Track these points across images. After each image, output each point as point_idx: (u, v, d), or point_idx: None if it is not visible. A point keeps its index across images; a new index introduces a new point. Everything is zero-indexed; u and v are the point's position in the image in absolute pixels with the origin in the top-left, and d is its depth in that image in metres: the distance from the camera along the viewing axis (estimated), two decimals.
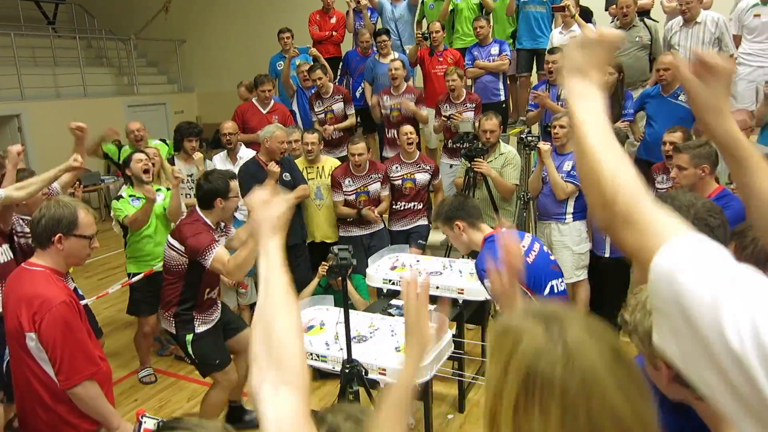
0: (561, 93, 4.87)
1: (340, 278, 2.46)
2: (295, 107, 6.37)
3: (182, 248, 2.99)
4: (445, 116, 5.38)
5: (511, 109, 6.84)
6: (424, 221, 4.76)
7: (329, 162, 4.95)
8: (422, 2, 6.97)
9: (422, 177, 4.69)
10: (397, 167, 4.72)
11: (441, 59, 6.19)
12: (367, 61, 6.68)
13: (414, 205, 4.70)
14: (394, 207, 4.72)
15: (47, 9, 12.40)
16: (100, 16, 12.53)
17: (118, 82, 11.65)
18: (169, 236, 3.15)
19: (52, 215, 2.13)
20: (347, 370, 2.37)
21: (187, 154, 4.85)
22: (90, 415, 2.10)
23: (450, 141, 5.37)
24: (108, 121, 10.13)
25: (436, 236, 5.82)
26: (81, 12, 12.60)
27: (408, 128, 4.71)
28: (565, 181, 3.95)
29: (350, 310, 3.11)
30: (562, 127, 3.96)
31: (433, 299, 3.35)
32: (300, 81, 6.19)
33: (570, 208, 4.01)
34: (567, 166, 3.98)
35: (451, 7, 6.70)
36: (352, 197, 4.60)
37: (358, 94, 6.51)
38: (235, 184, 3.17)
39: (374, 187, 4.61)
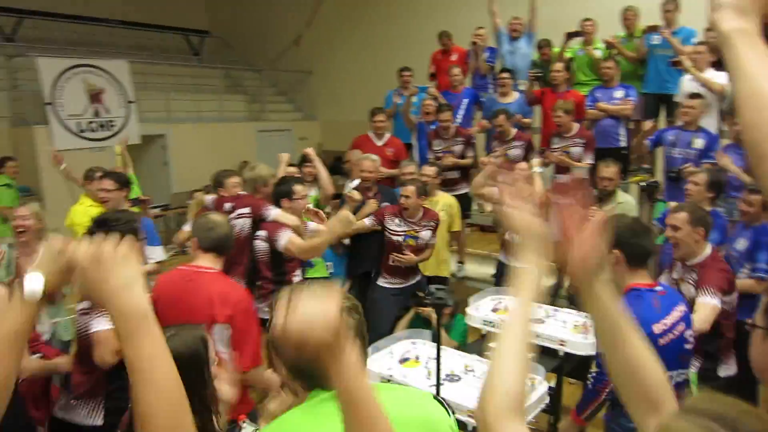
0: (693, 141, 4.66)
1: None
2: (414, 141, 6.55)
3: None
4: (554, 150, 5.32)
5: (634, 155, 6.60)
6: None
7: (444, 198, 5.04)
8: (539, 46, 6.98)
9: (425, 234, 4.49)
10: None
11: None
12: (486, 98, 6.76)
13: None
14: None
15: (194, 42, 13.73)
16: (239, 48, 13.68)
17: (250, 108, 12.59)
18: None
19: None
20: None
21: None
22: (261, 385, 2.52)
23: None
24: (240, 143, 11.08)
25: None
26: (222, 44, 13.85)
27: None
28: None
29: (447, 348, 3.18)
30: (696, 184, 3.76)
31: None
32: (422, 116, 6.37)
33: None
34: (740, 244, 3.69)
35: (569, 55, 6.66)
36: (400, 238, 4.46)
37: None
38: (298, 188, 3.81)
39: (424, 234, 4.47)
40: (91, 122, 8.97)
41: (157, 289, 2.50)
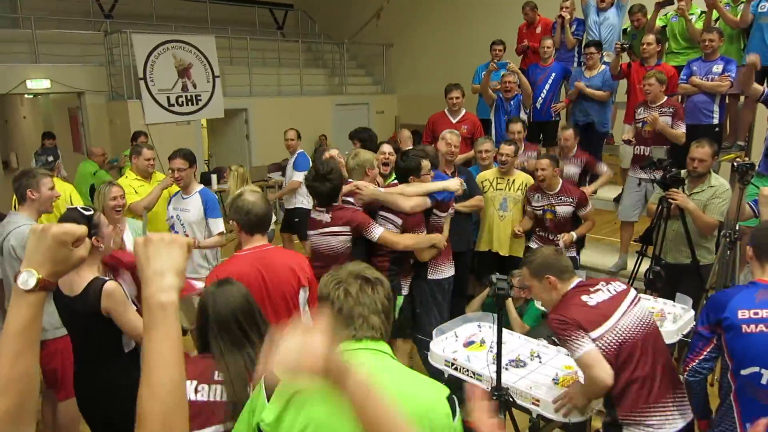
0: None
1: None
2: (492, 117, 6.42)
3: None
4: (638, 120, 5.04)
5: (728, 131, 6.16)
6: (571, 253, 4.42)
7: (522, 177, 4.93)
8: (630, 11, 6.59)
9: (564, 209, 4.45)
10: (538, 197, 4.55)
11: None
12: (575, 73, 6.50)
13: (555, 239, 4.46)
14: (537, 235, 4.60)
15: (278, 15, 13.97)
16: (321, 22, 13.80)
17: (330, 82, 12.74)
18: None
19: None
20: (494, 398, 2.39)
21: None
22: None
23: (637, 157, 5.08)
24: (319, 117, 11.27)
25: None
26: (305, 18, 14.01)
27: (544, 162, 4.42)
28: None
29: (514, 333, 3.14)
30: None
31: None
32: (502, 92, 6.21)
33: None
34: None
35: (661, 24, 6.25)
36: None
37: (538, 105, 6.39)
38: (425, 163, 3.74)
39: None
40: (179, 96, 9.36)
41: (237, 274, 2.40)
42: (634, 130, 5.30)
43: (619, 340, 2.25)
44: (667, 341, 3.04)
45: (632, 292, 2.47)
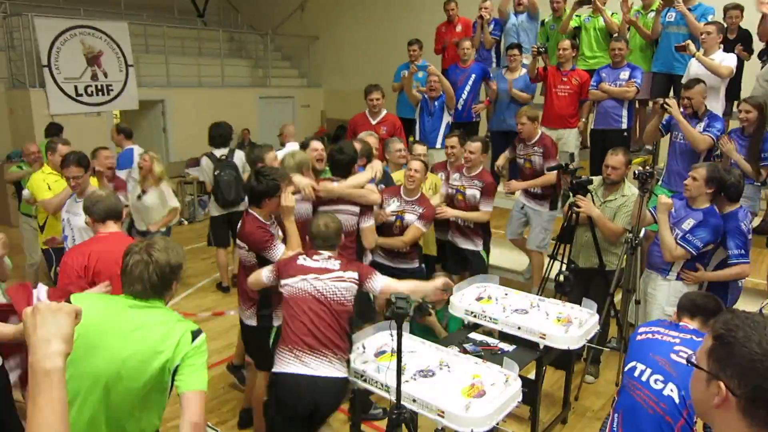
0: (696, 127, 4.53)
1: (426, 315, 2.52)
2: (416, 116, 6.43)
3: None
4: (519, 156, 5.07)
5: (637, 135, 6.46)
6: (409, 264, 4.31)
7: (431, 177, 4.97)
8: (542, 23, 6.81)
9: (471, 193, 4.59)
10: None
11: (565, 79, 5.97)
12: (495, 75, 6.61)
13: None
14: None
15: (199, 2, 13.48)
16: (244, 11, 13.44)
17: (253, 74, 12.43)
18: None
19: None
20: (394, 416, 2.38)
21: None
22: None
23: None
24: (241, 110, 10.97)
25: (521, 261, 5.69)
26: (228, 6, 13.59)
27: (416, 164, 4.32)
28: (678, 243, 3.65)
29: (424, 342, 3.15)
30: (694, 179, 3.66)
31: (508, 337, 3.31)
32: (427, 93, 6.23)
33: (677, 267, 3.73)
34: (687, 224, 3.65)
35: (575, 24, 6.48)
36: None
37: (459, 106, 6.48)
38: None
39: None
40: (88, 86, 8.87)
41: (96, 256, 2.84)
42: (506, 159, 5.38)
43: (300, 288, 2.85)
44: (573, 346, 3.17)
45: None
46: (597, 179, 4.28)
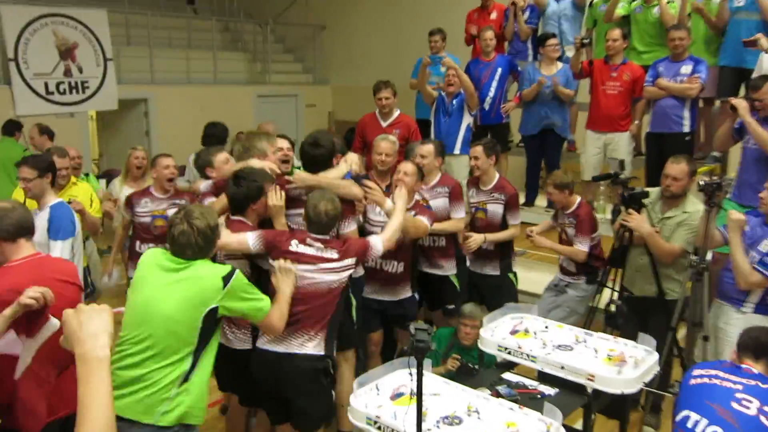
0: None
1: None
2: (432, 117, 6.44)
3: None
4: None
5: (702, 139, 6.41)
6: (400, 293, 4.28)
7: None
8: (591, 3, 6.80)
9: (494, 208, 4.66)
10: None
11: (615, 74, 5.95)
12: (525, 68, 6.62)
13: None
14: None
15: None
16: None
17: (250, 69, 12.56)
18: None
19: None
20: None
21: None
22: None
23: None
24: (237, 110, 11.07)
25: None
26: None
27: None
28: (755, 268, 3.59)
29: (449, 383, 3.12)
30: None
31: (549, 378, 3.27)
32: (444, 89, 6.24)
33: (755, 297, 3.67)
34: (765, 245, 3.59)
35: (623, 13, 6.46)
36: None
37: (486, 106, 6.48)
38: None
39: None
40: (60, 83, 9.00)
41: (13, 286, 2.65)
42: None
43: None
44: (627, 391, 3.11)
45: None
46: (654, 192, 4.25)
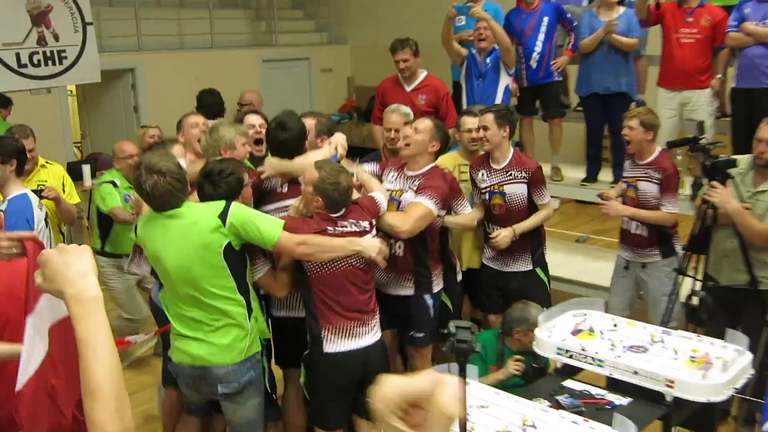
0: None
1: None
2: (462, 80, 6.41)
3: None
4: (625, 179, 4.94)
5: None
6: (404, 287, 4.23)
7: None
8: None
9: (515, 189, 4.54)
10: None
11: (691, 19, 5.87)
12: (581, 15, 6.55)
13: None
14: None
15: None
16: None
17: (254, 29, 12.60)
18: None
19: None
20: None
21: None
22: None
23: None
24: (239, 78, 11.12)
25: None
26: None
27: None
28: None
29: (499, 392, 3.12)
30: None
31: (620, 385, 3.25)
32: (475, 43, 6.19)
33: None
34: None
35: None
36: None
37: (533, 63, 6.43)
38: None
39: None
40: (33, 53, 9.09)
41: None
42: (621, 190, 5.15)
43: None
44: (714, 398, 3.08)
45: None
46: (744, 160, 4.20)
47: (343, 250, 3.50)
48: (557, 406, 3.13)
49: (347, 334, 3.57)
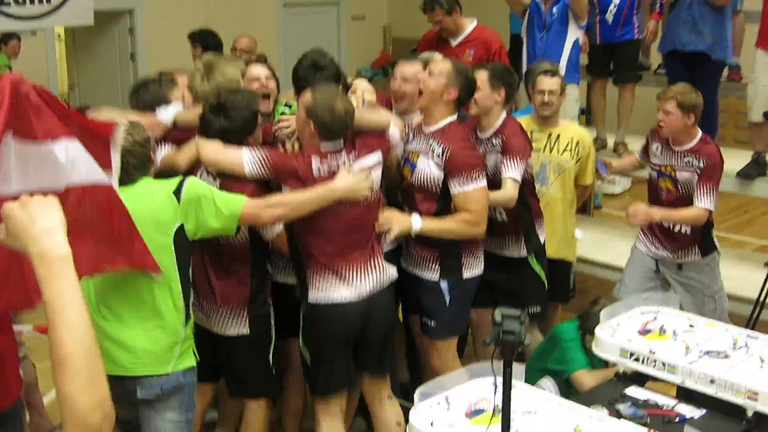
0: None
1: None
2: (523, 33, 6.41)
3: None
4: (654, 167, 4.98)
5: None
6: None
7: (572, 130, 5.07)
8: None
9: (686, 176, 4.62)
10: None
11: None
12: None
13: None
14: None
15: None
16: None
17: None
18: None
19: None
20: None
21: None
22: None
23: None
24: (255, 25, 11.16)
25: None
26: None
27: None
28: None
29: (549, 398, 3.15)
30: None
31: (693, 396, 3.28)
32: None
33: None
34: None
35: None
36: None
37: (609, 17, 6.40)
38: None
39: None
40: None
41: None
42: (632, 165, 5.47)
43: None
44: None
45: None
46: None
47: (318, 203, 3.59)
48: (617, 415, 3.15)
49: (339, 279, 3.75)
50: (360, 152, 3.81)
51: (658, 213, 4.69)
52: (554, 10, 6.09)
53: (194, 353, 3.46)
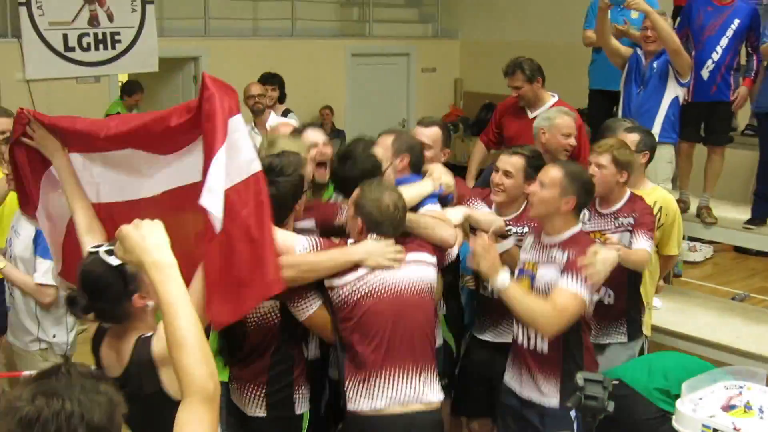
0: None
1: None
2: (621, 87, 6.37)
3: None
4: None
5: None
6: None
7: (658, 193, 5.06)
8: None
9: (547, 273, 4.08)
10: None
11: None
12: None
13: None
14: None
15: None
16: None
17: (343, 16, 12.88)
18: None
19: None
20: None
21: None
22: None
23: None
24: (323, 74, 11.31)
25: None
26: None
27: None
28: None
29: None
30: None
31: None
32: (641, 42, 6.17)
33: None
34: None
35: None
36: None
37: (705, 74, 6.29)
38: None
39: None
40: (83, 35, 9.43)
41: None
42: None
43: None
44: None
45: None
46: None
47: (334, 264, 3.41)
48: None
49: (383, 389, 3.46)
50: (409, 248, 3.59)
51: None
52: (654, 64, 6.03)
53: None
